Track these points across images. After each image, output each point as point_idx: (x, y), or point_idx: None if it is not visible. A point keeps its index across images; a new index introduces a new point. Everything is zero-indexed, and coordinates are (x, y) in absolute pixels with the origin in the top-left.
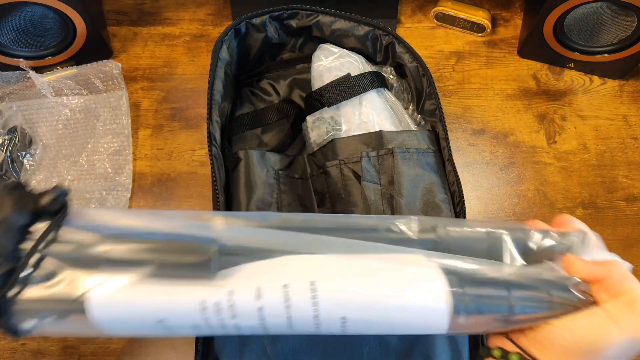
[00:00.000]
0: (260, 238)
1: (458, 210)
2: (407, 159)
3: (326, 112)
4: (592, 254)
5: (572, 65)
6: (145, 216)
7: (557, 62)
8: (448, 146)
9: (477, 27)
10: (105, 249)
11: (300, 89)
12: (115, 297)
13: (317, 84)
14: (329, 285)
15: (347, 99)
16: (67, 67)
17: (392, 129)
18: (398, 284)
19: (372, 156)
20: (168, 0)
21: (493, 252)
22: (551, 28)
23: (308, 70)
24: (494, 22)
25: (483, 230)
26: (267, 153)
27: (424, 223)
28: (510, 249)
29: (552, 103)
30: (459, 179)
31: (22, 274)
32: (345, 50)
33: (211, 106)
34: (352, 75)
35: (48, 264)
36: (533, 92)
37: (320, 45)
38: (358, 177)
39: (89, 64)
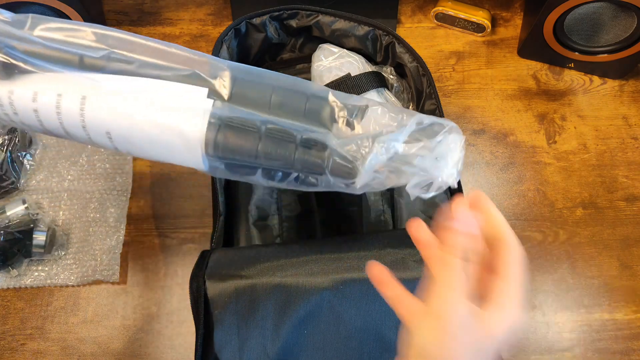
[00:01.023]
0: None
1: None
2: None
3: None
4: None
5: (572, 65)
6: None
7: (557, 62)
8: None
9: (477, 27)
10: None
11: None
12: None
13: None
14: (97, 100)
15: None
16: None
17: None
18: (160, 108)
19: None
20: (168, 0)
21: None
22: (551, 28)
23: (308, 70)
24: (494, 22)
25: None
26: None
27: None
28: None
29: (552, 103)
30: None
31: None
32: (345, 50)
33: None
34: (352, 75)
35: None
36: (533, 92)
37: (320, 45)
38: None
39: None
